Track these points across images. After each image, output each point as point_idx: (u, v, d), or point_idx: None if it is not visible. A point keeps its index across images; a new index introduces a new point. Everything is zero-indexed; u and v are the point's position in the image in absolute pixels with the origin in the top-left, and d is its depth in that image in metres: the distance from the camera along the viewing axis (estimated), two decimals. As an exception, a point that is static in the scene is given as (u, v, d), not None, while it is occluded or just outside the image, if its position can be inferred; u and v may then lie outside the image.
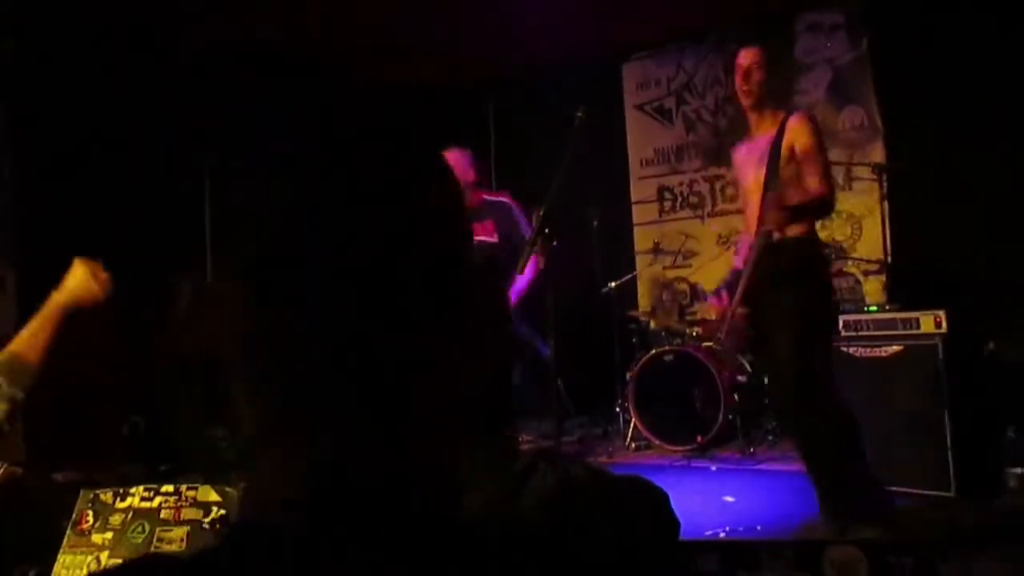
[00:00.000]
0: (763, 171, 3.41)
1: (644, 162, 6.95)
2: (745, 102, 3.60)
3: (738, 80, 3.55)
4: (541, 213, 3.37)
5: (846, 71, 6.04)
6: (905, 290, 5.35)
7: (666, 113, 6.83)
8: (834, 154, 5.99)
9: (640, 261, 6.47)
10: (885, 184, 5.65)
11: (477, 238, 3.83)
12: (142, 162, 5.19)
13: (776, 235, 3.27)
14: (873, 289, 5.72)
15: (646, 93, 6.91)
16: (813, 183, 3.31)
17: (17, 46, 4.85)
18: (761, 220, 3.32)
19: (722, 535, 3.63)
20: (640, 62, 6.93)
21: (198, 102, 5.56)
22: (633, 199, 6.96)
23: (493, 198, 3.98)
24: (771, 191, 3.28)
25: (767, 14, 6.16)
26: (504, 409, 1.25)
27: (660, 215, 6.84)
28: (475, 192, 3.92)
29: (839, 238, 6.03)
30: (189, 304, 4.83)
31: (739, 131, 6.44)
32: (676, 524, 1.42)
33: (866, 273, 5.78)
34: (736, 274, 3.84)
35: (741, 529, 3.67)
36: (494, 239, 3.90)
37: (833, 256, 5.72)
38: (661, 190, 6.83)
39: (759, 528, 3.64)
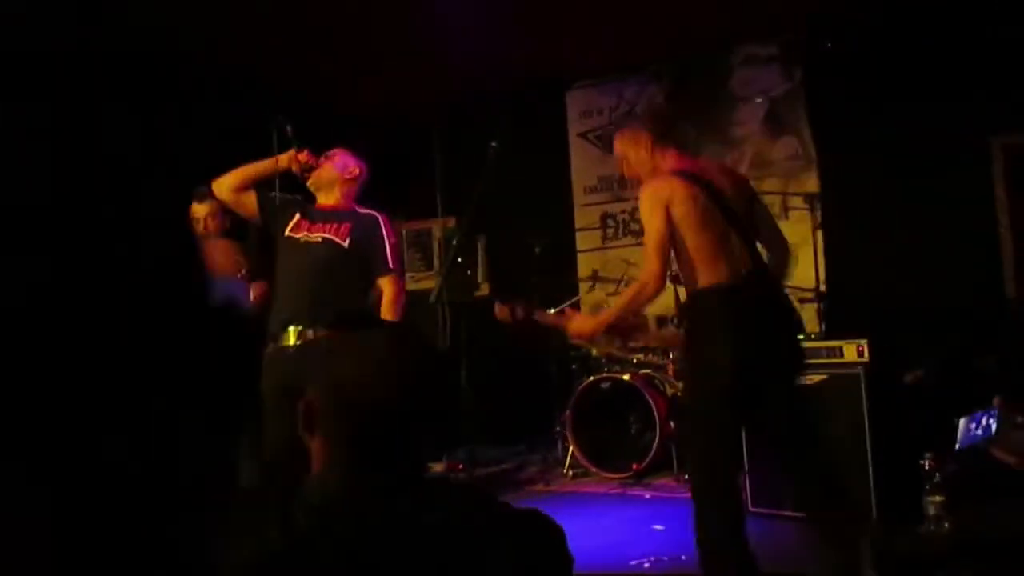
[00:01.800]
0: None
1: (587, 189, 7.00)
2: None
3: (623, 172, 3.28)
4: (454, 243, 3.33)
5: (781, 102, 6.16)
6: (838, 318, 5.45)
7: (609, 141, 6.88)
8: (769, 183, 6.12)
9: (582, 288, 6.50)
10: (819, 213, 5.78)
11: (326, 235, 3.48)
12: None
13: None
14: (807, 317, 5.79)
15: (589, 121, 6.98)
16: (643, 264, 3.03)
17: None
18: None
19: (646, 564, 3.63)
20: (583, 90, 7.00)
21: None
22: (576, 226, 7.00)
23: (365, 211, 3.69)
24: None
25: (704, 47, 6.28)
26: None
27: (603, 242, 6.88)
28: (349, 198, 3.68)
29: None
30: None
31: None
32: (569, 560, 1.42)
33: (800, 301, 5.86)
34: None
35: (666, 559, 3.67)
36: (344, 243, 3.50)
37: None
38: (604, 217, 6.88)
39: (684, 558, 3.64)
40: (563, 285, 6.30)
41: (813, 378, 4.00)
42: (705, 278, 2.94)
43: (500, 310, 3.55)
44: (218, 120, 6.21)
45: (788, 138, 6.14)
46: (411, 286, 7.45)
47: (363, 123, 6.96)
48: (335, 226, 3.46)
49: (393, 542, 1.15)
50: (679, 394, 5.42)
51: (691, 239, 2.92)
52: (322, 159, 3.60)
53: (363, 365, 1.23)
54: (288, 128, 3.57)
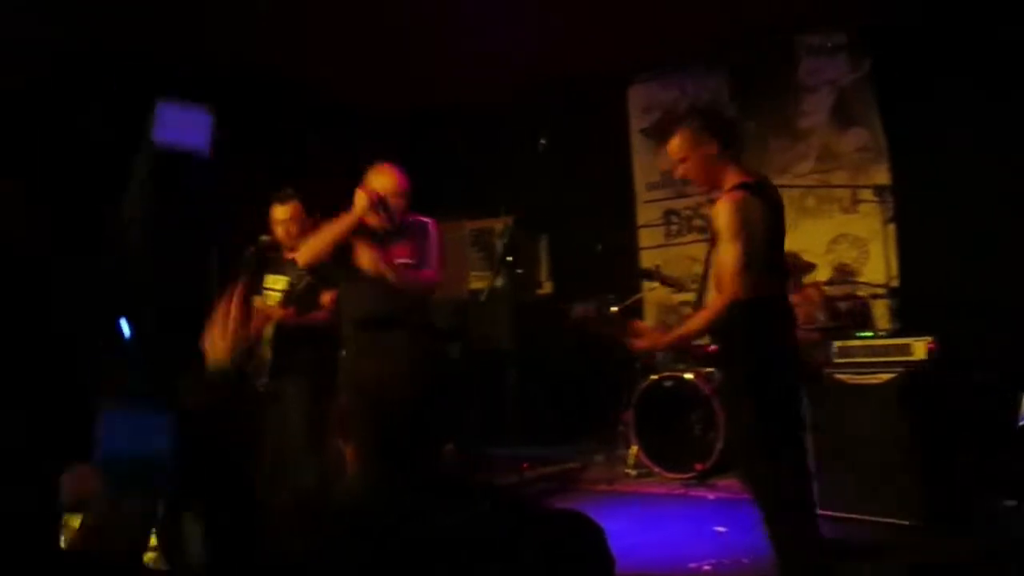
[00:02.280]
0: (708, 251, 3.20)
1: (650, 185, 6.92)
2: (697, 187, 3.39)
3: (676, 175, 3.20)
4: (504, 243, 3.32)
5: (849, 92, 5.98)
6: (910, 315, 5.26)
7: (665, 135, 6.79)
8: (838, 177, 5.95)
9: (645, 285, 6.42)
10: (890, 206, 5.59)
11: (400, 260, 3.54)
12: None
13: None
14: (880, 313, 5.62)
15: (651, 116, 6.90)
16: (714, 287, 2.97)
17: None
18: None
19: (707, 567, 3.57)
20: (644, 85, 6.93)
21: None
22: (639, 223, 6.93)
23: (416, 219, 3.76)
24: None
25: (769, 37, 6.13)
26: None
27: (666, 239, 6.80)
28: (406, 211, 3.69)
29: (847, 260, 5.94)
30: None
31: (742, 154, 6.43)
32: (609, 559, 1.42)
33: (873, 297, 5.69)
34: None
35: (727, 562, 3.61)
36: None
37: (835, 280, 5.67)
38: (667, 214, 6.80)
39: (745, 561, 3.57)
40: (626, 282, 6.24)
41: (881, 376, 3.88)
42: (761, 289, 2.89)
43: (578, 311, 3.56)
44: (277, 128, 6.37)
45: (857, 129, 5.95)
46: (475, 284, 7.50)
47: (426, 123, 7.06)
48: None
49: (428, 542, 1.17)
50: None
51: (763, 254, 2.88)
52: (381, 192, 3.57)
53: (384, 368, 1.27)
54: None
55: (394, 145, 6.97)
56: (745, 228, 2.83)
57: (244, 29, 5.32)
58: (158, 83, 5.49)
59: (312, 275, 3.95)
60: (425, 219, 3.70)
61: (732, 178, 2.98)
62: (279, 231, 4.29)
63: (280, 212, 4.28)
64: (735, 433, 3.17)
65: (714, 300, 2.91)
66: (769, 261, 2.96)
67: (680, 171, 3.10)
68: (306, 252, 3.60)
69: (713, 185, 3.06)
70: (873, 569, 2.98)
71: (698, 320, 2.99)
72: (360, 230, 3.56)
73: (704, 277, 3.26)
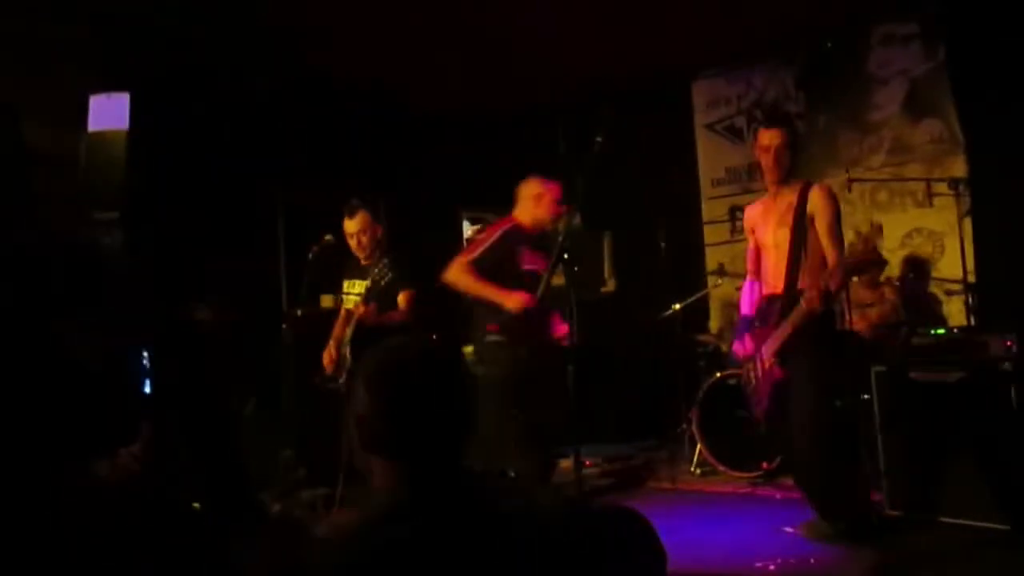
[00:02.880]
0: (783, 233, 3.71)
1: (715, 182, 6.84)
2: (768, 177, 3.82)
3: (762, 157, 3.76)
4: (560, 240, 3.35)
5: (922, 82, 5.80)
6: (988, 312, 5.09)
7: (737, 132, 6.71)
8: (911, 170, 5.79)
9: (710, 282, 6.34)
10: (967, 199, 5.41)
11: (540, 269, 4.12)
12: (218, 196, 5.41)
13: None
14: (955, 310, 5.45)
15: (716, 112, 6.81)
16: (832, 257, 3.60)
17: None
18: (797, 288, 3.61)
19: (772, 567, 3.51)
20: (709, 80, 6.84)
21: (271, 137, 5.82)
22: (704, 219, 6.85)
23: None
24: (801, 261, 3.64)
25: (839, 28, 6.00)
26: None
27: (731, 235, 6.70)
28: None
29: (922, 255, 5.77)
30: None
31: (812, 148, 6.30)
32: (662, 555, 1.41)
33: (948, 293, 5.52)
34: (745, 321, 4.05)
35: (793, 561, 3.54)
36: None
37: (911, 275, 5.51)
38: (732, 210, 6.70)
39: (812, 561, 3.51)
40: (690, 279, 6.18)
41: (954, 374, 3.76)
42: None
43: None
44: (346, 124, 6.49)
45: (931, 120, 5.77)
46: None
47: (490, 121, 7.10)
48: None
49: (465, 541, 1.18)
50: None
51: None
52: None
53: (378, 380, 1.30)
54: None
55: (453, 145, 7.09)
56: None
57: (298, 30, 5.43)
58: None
59: (394, 273, 4.13)
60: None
61: (799, 180, 3.76)
62: (352, 243, 4.54)
63: (350, 225, 4.51)
64: (801, 380, 3.55)
65: (837, 263, 3.51)
66: None
67: (771, 158, 3.71)
68: (455, 280, 4.21)
69: (784, 179, 3.74)
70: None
71: (839, 277, 3.45)
72: (523, 238, 4.26)
73: (792, 265, 3.64)
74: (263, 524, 1.54)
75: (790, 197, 3.74)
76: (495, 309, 4.13)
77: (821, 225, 3.63)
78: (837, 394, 3.56)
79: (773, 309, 3.70)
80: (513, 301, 4.05)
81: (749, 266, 4.10)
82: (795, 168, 3.80)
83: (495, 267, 4.18)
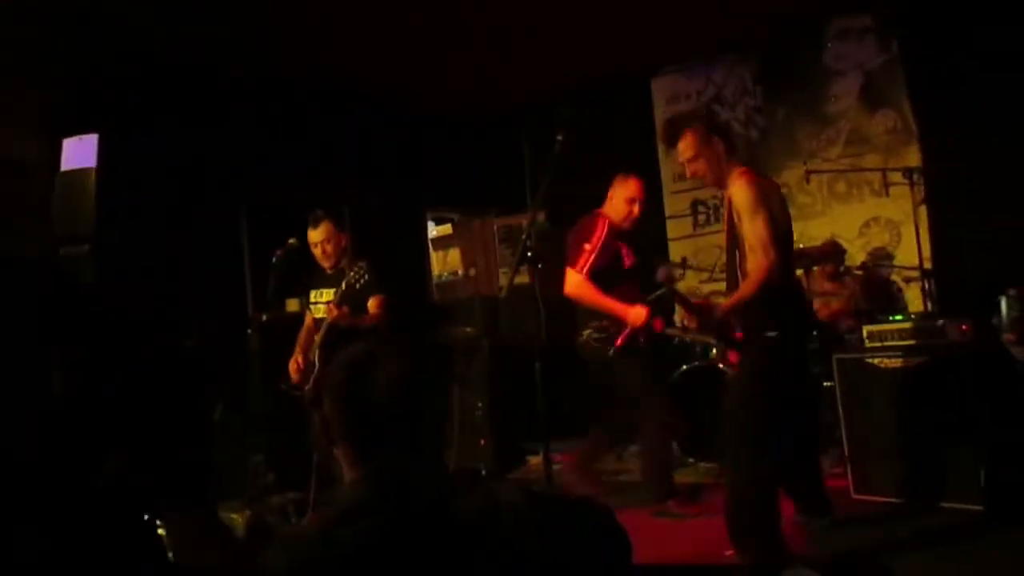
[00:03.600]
0: (725, 230, 3.46)
1: (677, 176, 6.90)
2: (706, 184, 3.70)
3: (686, 171, 3.45)
4: (524, 238, 3.37)
5: (878, 75, 5.91)
6: (944, 298, 5.20)
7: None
8: (868, 160, 5.89)
9: (675, 274, 6.40)
10: (922, 188, 5.52)
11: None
12: (181, 201, 5.35)
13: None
14: (913, 296, 5.56)
15: (676, 107, 6.87)
16: (750, 257, 3.13)
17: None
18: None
19: (741, 556, 3.56)
20: (669, 76, 6.90)
21: (233, 140, 5.77)
22: (667, 214, 6.91)
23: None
24: (736, 261, 3.33)
25: (795, 23, 6.08)
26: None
27: (694, 229, 6.78)
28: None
29: (879, 244, 5.89)
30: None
31: (771, 141, 6.39)
32: (625, 543, 1.42)
33: (906, 280, 5.63)
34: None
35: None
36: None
37: (869, 264, 5.61)
38: (695, 204, 6.77)
39: (781, 547, 3.56)
40: (654, 273, 6.21)
41: (913, 360, 3.85)
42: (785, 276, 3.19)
43: (662, 274, 4.10)
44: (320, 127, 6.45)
45: (886, 111, 5.88)
46: (503, 281, 7.52)
47: (452, 120, 7.10)
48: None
49: (430, 536, 1.19)
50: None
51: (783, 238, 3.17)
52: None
53: (372, 368, 1.31)
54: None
55: (427, 145, 7.08)
56: (764, 203, 3.10)
57: (259, 30, 5.40)
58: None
59: (371, 277, 4.15)
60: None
61: (737, 169, 3.28)
62: (316, 252, 4.55)
63: (313, 235, 4.52)
64: (736, 411, 3.24)
65: (755, 267, 3.06)
66: (784, 245, 3.20)
67: (691, 170, 3.37)
68: (578, 294, 4.38)
69: (721, 181, 3.32)
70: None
71: (747, 287, 3.10)
72: (616, 235, 4.44)
73: (730, 270, 3.39)
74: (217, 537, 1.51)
75: (728, 195, 3.45)
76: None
77: (736, 218, 3.25)
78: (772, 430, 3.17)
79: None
80: (634, 316, 4.22)
81: None
82: (728, 162, 3.32)
83: (604, 271, 4.35)
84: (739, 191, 3.14)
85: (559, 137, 3.47)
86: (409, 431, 1.30)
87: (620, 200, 4.52)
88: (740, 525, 3.15)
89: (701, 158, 3.28)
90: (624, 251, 4.48)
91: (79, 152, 2.81)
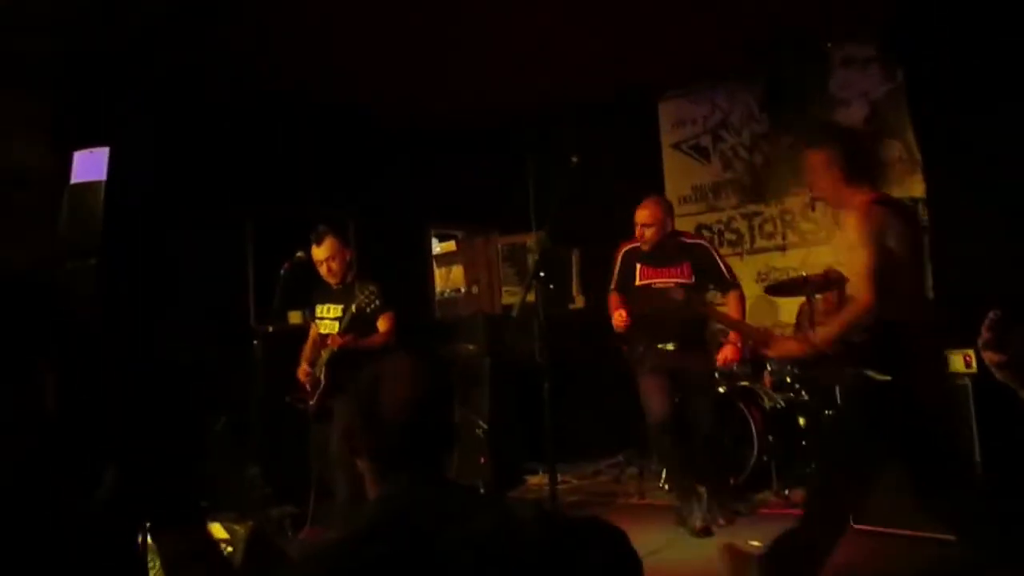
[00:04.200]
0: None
1: (682, 200, 6.92)
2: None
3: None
4: (536, 257, 3.39)
5: (883, 104, 5.95)
6: (948, 327, 5.20)
7: (703, 151, 6.82)
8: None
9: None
10: (925, 218, 5.55)
11: (674, 280, 4.59)
12: (185, 212, 5.37)
13: None
14: (915, 326, 5.56)
15: (682, 131, 6.92)
16: (857, 287, 3.08)
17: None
18: None
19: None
20: (675, 100, 6.95)
21: (239, 153, 5.80)
22: (671, 237, 6.92)
23: (691, 240, 4.90)
24: None
25: (801, 50, 6.13)
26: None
27: (698, 252, 6.79)
28: (674, 236, 4.77)
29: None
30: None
31: (776, 168, 6.42)
32: (636, 561, 1.43)
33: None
34: None
35: None
36: (690, 280, 4.61)
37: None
38: (699, 228, 6.79)
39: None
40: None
41: (916, 389, 3.84)
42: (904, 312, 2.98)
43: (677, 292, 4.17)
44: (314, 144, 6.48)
45: (890, 141, 5.91)
46: (507, 300, 7.54)
47: (457, 139, 7.14)
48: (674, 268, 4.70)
49: (450, 554, 1.19)
50: (777, 405, 5.30)
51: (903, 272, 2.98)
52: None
53: (389, 388, 1.32)
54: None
55: (432, 162, 7.12)
56: (875, 238, 2.92)
57: (266, 47, 5.43)
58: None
59: (381, 301, 4.18)
60: (700, 240, 4.98)
61: (860, 196, 3.07)
62: (322, 270, 4.54)
63: (318, 252, 4.52)
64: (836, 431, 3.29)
65: (853, 304, 3.02)
66: (913, 279, 3.09)
67: (811, 187, 3.34)
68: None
69: (840, 204, 3.22)
70: None
71: (838, 323, 3.05)
72: (637, 254, 4.78)
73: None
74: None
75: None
76: None
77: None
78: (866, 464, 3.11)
79: None
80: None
81: None
82: (851, 185, 3.15)
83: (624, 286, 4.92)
84: (851, 223, 3.04)
85: (574, 159, 3.49)
86: (431, 449, 1.31)
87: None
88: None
89: (821, 181, 3.17)
90: (640, 269, 4.79)
91: (89, 165, 2.83)
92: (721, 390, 5.25)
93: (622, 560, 1.37)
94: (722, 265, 4.76)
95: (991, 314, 1.49)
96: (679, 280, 4.60)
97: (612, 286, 4.91)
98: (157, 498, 1.25)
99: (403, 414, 1.30)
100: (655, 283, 4.67)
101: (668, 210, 4.84)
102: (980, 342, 1.52)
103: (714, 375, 5.15)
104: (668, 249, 4.70)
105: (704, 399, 4.73)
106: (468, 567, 1.19)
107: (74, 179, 2.88)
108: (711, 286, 4.84)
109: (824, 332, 3.10)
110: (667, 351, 4.63)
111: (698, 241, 4.96)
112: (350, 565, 1.15)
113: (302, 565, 1.21)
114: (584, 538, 1.35)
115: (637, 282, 4.76)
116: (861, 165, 3.15)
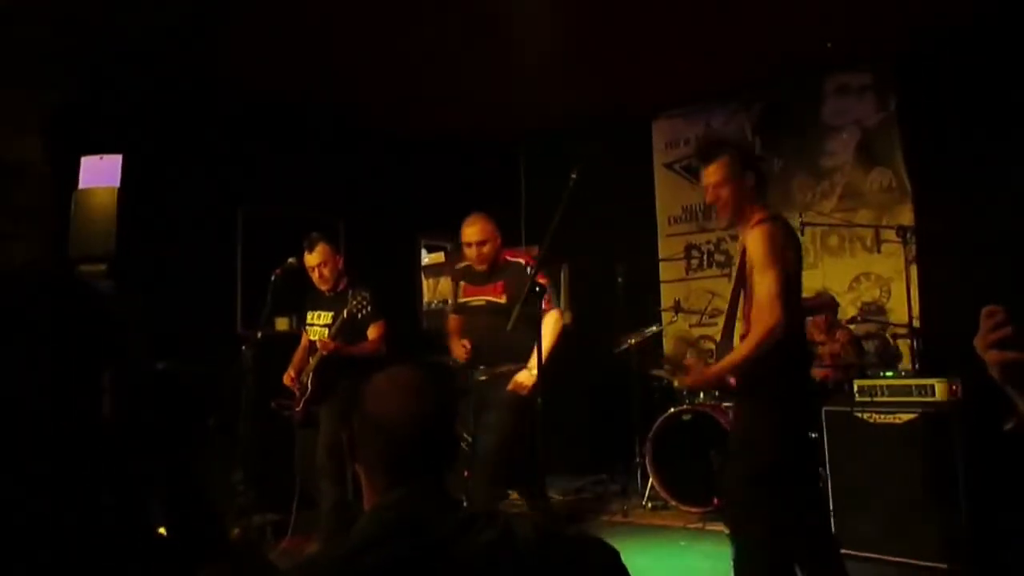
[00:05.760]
0: (733, 285, 3.24)
1: (672, 219, 6.97)
2: (721, 218, 3.30)
3: (708, 197, 3.17)
4: (530, 272, 3.39)
5: (874, 132, 6.01)
6: (933, 356, 5.24)
7: (694, 171, 6.84)
8: (862, 216, 5.97)
9: (665, 318, 6.44)
10: (913, 247, 5.59)
11: (487, 298, 4.27)
12: (176, 210, 5.34)
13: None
14: (902, 353, 5.61)
15: (675, 151, 6.96)
16: (755, 312, 2.93)
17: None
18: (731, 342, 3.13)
19: (724, 602, 3.54)
20: (669, 120, 6.99)
21: (232, 152, 5.77)
22: (660, 256, 6.96)
23: (513, 258, 4.46)
24: (736, 313, 3.15)
25: (795, 76, 6.19)
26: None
27: (687, 272, 6.83)
28: (500, 252, 4.42)
29: (868, 300, 5.95)
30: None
31: (767, 191, 6.45)
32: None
33: (895, 337, 5.68)
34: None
35: (744, 597, 3.57)
36: (502, 299, 4.23)
37: (859, 318, 5.65)
38: (688, 248, 6.83)
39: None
40: (648, 316, 6.25)
41: (902, 417, 3.88)
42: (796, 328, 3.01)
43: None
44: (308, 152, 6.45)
45: (881, 169, 5.98)
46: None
47: (449, 152, 7.14)
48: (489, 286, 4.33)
49: (450, 566, 1.19)
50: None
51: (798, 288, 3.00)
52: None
53: (393, 397, 1.32)
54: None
55: (413, 171, 7.11)
56: (780, 257, 2.90)
57: (278, 55, 5.42)
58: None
59: (373, 308, 4.16)
60: (520, 258, 4.46)
61: (759, 213, 3.05)
62: (313, 276, 4.55)
63: (310, 259, 4.53)
64: (740, 463, 3.02)
65: (757, 327, 2.87)
66: (797, 296, 3.03)
67: (712, 195, 3.11)
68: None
69: (739, 217, 3.10)
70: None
71: (744, 349, 2.92)
72: (463, 273, 4.46)
73: (730, 314, 3.21)
74: (226, 551, 1.52)
75: (744, 240, 3.17)
76: None
77: (749, 273, 3.02)
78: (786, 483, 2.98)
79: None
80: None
81: None
82: (753, 201, 3.10)
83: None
84: (755, 241, 2.94)
85: (574, 175, 3.48)
86: (435, 462, 1.30)
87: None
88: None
89: (727, 187, 3.05)
90: (463, 288, 4.53)
91: (99, 171, 2.80)
92: (708, 410, 5.25)
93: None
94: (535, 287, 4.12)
95: (992, 309, 1.28)
96: (491, 298, 4.34)
97: (451, 308, 4.67)
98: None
99: (409, 425, 1.29)
100: (471, 301, 4.44)
101: (495, 225, 4.50)
102: (985, 341, 1.28)
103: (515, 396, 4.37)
104: (492, 266, 4.41)
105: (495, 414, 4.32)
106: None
107: (82, 184, 2.85)
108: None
109: (733, 357, 2.94)
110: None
111: (517, 259, 4.47)
112: (350, 575, 1.14)
113: (304, 573, 1.19)
114: (581, 554, 1.36)
115: (459, 299, 4.54)
116: (763, 181, 3.13)
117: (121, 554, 1.16)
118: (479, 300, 4.37)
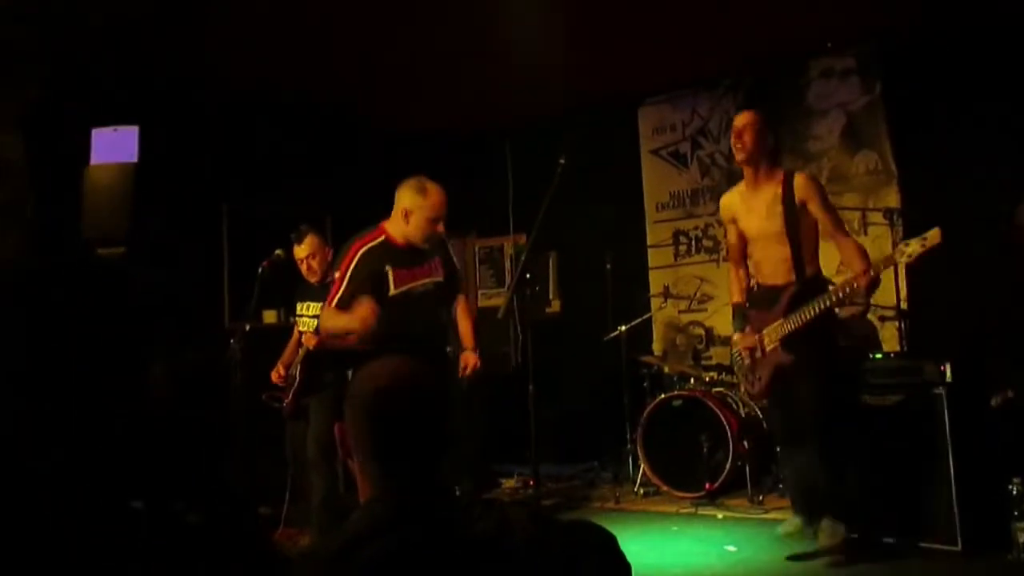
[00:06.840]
0: (775, 224, 3.79)
1: (660, 206, 6.96)
2: (737, 157, 3.86)
3: (732, 138, 3.82)
4: (522, 259, 3.37)
5: (860, 116, 6.02)
6: (920, 338, 5.27)
7: (681, 157, 6.85)
8: (848, 199, 5.98)
9: (654, 304, 6.44)
10: (900, 229, 5.61)
11: (432, 279, 3.77)
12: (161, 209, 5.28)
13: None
14: (889, 335, 5.63)
15: (662, 137, 6.95)
16: (843, 240, 3.89)
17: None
18: (808, 277, 3.86)
19: (717, 586, 3.57)
20: (656, 106, 6.98)
21: (218, 146, 5.73)
22: (649, 243, 6.96)
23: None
24: (803, 250, 3.83)
25: (780, 60, 6.19)
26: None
27: (675, 259, 6.83)
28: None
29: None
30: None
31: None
32: (626, 565, 1.43)
33: (882, 319, 5.70)
34: (740, 308, 4.12)
35: (738, 580, 3.60)
36: (441, 277, 3.81)
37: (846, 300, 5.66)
38: (676, 234, 6.83)
39: (756, 580, 3.57)
40: (637, 303, 6.26)
41: (891, 398, 3.89)
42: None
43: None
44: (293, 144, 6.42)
45: (867, 152, 5.99)
46: (483, 303, 7.52)
47: (436, 140, 7.11)
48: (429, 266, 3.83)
49: (443, 558, 1.18)
50: (752, 412, 5.35)
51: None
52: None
53: (382, 382, 1.30)
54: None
55: (403, 164, 7.06)
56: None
57: (263, 50, 5.37)
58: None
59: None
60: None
61: (781, 171, 3.86)
62: (302, 268, 4.53)
63: (299, 251, 4.53)
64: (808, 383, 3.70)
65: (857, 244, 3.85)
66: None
67: (735, 136, 3.79)
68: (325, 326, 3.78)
69: (753, 165, 3.81)
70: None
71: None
72: (394, 257, 3.69)
73: (795, 251, 3.81)
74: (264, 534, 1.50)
75: (774, 187, 3.79)
76: None
77: (817, 210, 3.74)
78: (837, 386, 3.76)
79: (774, 298, 3.83)
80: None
81: (733, 255, 4.16)
82: (774, 157, 3.89)
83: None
84: (816, 184, 3.84)
85: (561, 161, 3.47)
86: (430, 452, 1.29)
87: (420, 217, 3.74)
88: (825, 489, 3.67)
89: (750, 133, 3.74)
90: (393, 274, 3.70)
91: (114, 145, 2.58)
92: (698, 396, 5.27)
93: (612, 562, 1.37)
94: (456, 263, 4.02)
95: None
96: (435, 279, 3.79)
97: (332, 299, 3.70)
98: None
99: (404, 416, 1.28)
100: (415, 287, 3.74)
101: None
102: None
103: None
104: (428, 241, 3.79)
105: None
106: (466, 569, 1.18)
107: (95, 160, 2.62)
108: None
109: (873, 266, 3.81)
110: None
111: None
112: (347, 567, 1.13)
113: (301, 566, 1.18)
114: (578, 540, 1.36)
115: (392, 291, 3.68)
116: (776, 149, 3.90)
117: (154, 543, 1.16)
118: (425, 283, 3.75)
